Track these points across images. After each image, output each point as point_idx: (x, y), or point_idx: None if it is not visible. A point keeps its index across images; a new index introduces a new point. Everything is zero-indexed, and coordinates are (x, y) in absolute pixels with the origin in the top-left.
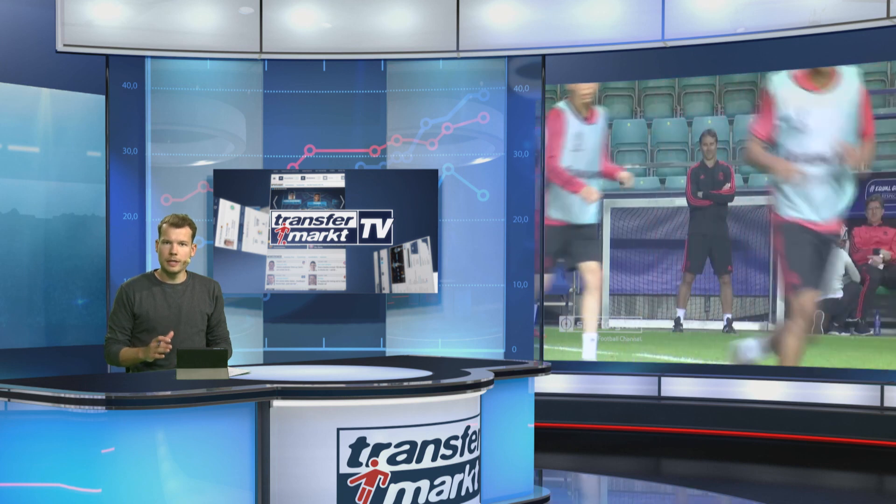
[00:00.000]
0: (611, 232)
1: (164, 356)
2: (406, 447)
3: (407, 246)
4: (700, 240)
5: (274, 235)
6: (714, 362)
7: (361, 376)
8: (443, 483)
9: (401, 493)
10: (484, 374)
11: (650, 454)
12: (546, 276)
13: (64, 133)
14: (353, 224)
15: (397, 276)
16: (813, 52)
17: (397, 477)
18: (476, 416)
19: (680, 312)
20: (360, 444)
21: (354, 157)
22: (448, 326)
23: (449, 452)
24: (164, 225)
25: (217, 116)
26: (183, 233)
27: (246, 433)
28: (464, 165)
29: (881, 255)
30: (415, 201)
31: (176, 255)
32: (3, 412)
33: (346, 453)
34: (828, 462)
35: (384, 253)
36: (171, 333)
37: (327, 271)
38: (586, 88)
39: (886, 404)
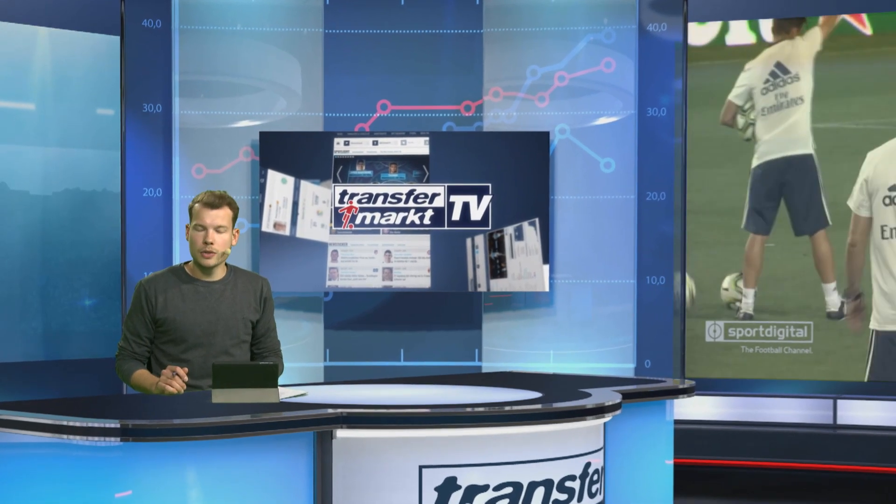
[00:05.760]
0: None
1: (178, 392)
2: (508, 490)
3: (509, 231)
4: None
5: (338, 217)
6: None
7: (450, 399)
8: None
9: None
10: (609, 396)
11: (823, 498)
12: None
13: (67, 85)
14: (439, 202)
15: (497, 269)
16: None
17: None
18: (598, 450)
19: None
20: (450, 485)
21: (442, 115)
22: (562, 334)
23: (564, 497)
24: (197, 205)
25: (264, 64)
26: (221, 215)
27: (301, 472)
28: (582, 126)
29: None
30: (519, 173)
31: (212, 244)
32: None
33: (430, 497)
34: None
35: (480, 240)
36: (186, 368)
37: (406, 263)
38: None
39: None
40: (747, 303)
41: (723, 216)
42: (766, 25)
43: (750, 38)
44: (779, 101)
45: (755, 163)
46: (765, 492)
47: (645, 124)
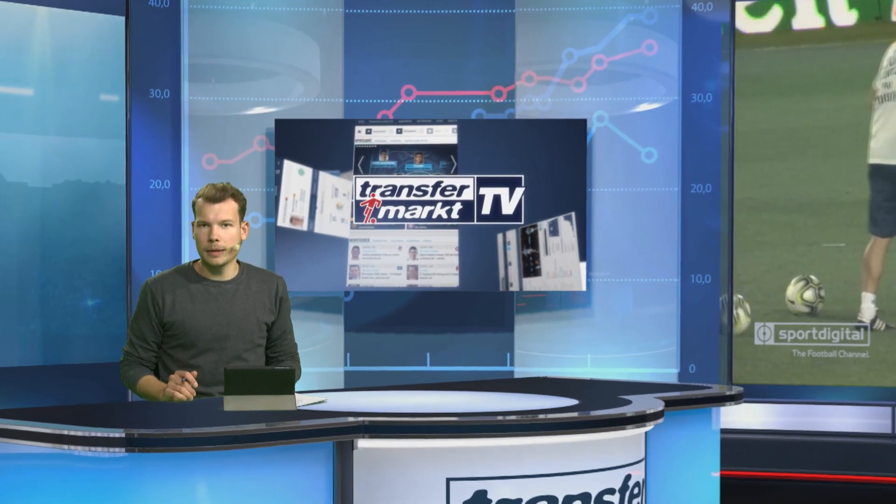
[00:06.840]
0: None
1: (187, 399)
2: None
3: (544, 226)
4: None
5: (359, 211)
6: None
7: (480, 406)
8: None
9: None
10: (650, 404)
11: None
12: None
13: (68, 69)
14: (468, 195)
15: (530, 267)
16: None
17: None
18: (639, 461)
19: None
20: (480, 499)
21: (471, 101)
22: (600, 337)
23: None
24: (199, 200)
25: (280, 46)
26: (226, 209)
27: (320, 484)
28: (622, 114)
29: None
30: (554, 163)
31: (217, 241)
32: None
33: None
34: None
35: (512, 236)
36: (195, 373)
37: (433, 261)
38: None
39: None
40: (866, 306)
41: (786, 214)
42: (836, 7)
43: (818, 22)
44: (891, 90)
45: (871, 160)
46: None
47: (689, 111)
